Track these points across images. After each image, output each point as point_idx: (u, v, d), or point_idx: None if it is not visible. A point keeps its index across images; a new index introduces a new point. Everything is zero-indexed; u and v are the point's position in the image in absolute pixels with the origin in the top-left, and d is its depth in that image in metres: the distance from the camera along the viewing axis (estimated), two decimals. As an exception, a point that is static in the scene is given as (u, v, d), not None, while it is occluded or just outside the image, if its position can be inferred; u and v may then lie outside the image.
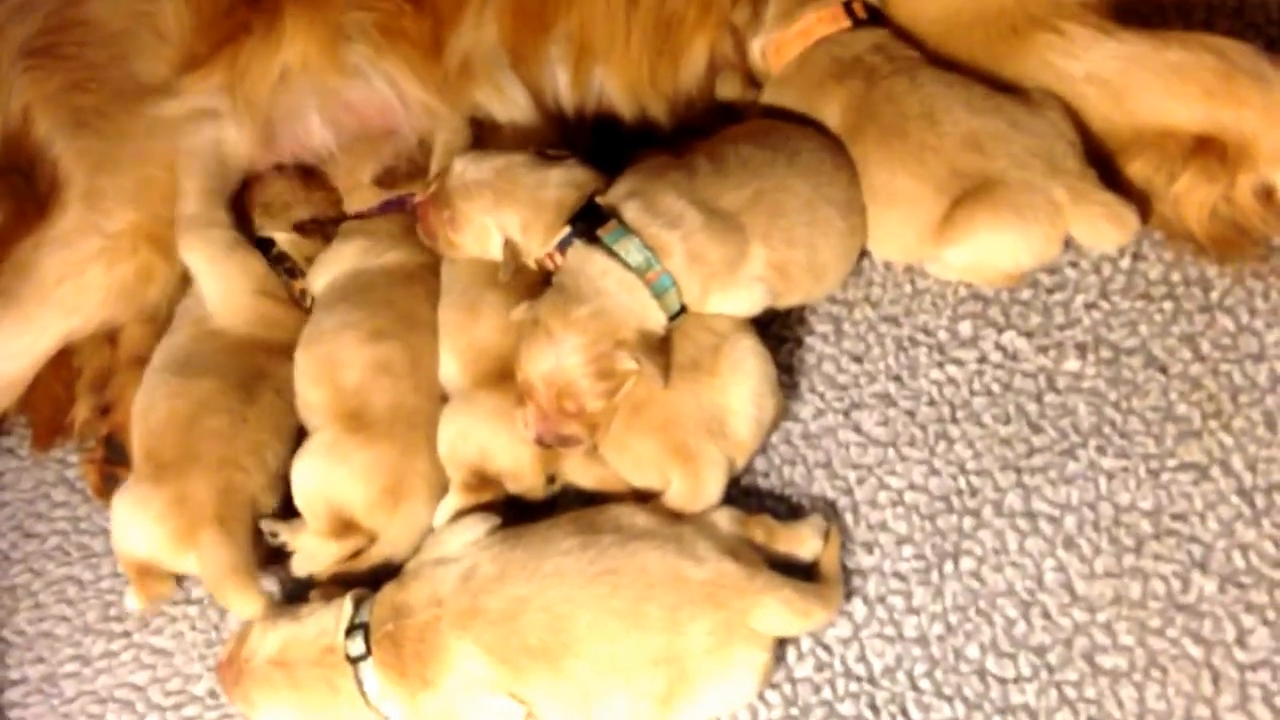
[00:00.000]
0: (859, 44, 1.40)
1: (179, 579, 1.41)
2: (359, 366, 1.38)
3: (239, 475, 1.37)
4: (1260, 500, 1.24)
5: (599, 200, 1.32)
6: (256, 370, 1.43)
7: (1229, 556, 1.22)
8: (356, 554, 1.35)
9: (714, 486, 1.26)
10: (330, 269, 1.48)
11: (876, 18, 1.44)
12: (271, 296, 1.48)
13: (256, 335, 1.46)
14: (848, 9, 1.42)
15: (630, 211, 1.28)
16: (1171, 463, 1.27)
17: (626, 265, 1.26)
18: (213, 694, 1.36)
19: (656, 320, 1.27)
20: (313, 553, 1.35)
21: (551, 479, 1.34)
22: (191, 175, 1.47)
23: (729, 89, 1.51)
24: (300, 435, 1.41)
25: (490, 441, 1.31)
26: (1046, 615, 1.23)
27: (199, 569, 1.35)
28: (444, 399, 1.38)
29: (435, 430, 1.35)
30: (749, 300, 1.31)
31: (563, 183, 1.35)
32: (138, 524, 1.35)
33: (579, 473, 1.33)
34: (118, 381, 1.49)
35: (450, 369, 1.37)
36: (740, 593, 1.17)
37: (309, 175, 1.55)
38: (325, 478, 1.34)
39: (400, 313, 1.42)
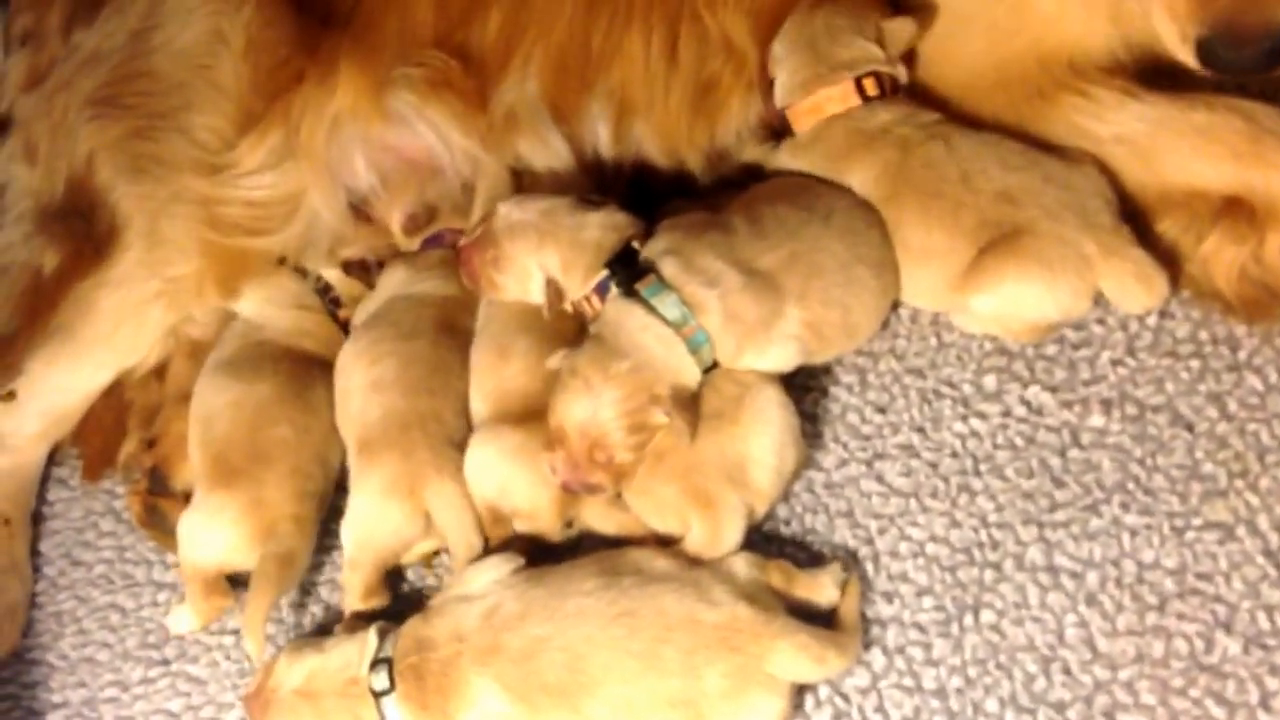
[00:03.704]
0: (880, 117, 1.40)
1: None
2: (360, 391, 1.42)
3: (309, 484, 1.42)
4: (1286, 562, 1.23)
5: (636, 249, 1.34)
6: (309, 380, 1.49)
7: (1254, 618, 1.21)
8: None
9: (733, 533, 1.27)
10: (371, 302, 1.54)
11: (884, 93, 1.43)
12: (309, 310, 1.55)
13: (302, 346, 1.53)
14: (858, 85, 1.42)
15: (669, 268, 1.30)
16: (1196, 521, 1.26)
17: (664, 320, 1.28)
18: (243, 722, 1.39)
19: (692, 376, 1.29)
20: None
21: (569, 522, 1.35)
22: None
23: (753, 153, 1.52)
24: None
25: (510, 480, 1.33)
26: (1067, 671, 1.22)
27: (261, 556, 1.38)
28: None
29: (432, 426, 1.38)
30: (782, 358, 1.32)
31: (602, 225, 1.38)
32: (214, 529, 1.39)
33: (599, 519, 1.34)
34: (164, 416, 1.54)
35: (478, 407, 1.40)
36: (756, 637, 1.17)
37: (358, 212, 1.59)
38: (375, 522, 1.38)
39: (403, 331, 1.45)
